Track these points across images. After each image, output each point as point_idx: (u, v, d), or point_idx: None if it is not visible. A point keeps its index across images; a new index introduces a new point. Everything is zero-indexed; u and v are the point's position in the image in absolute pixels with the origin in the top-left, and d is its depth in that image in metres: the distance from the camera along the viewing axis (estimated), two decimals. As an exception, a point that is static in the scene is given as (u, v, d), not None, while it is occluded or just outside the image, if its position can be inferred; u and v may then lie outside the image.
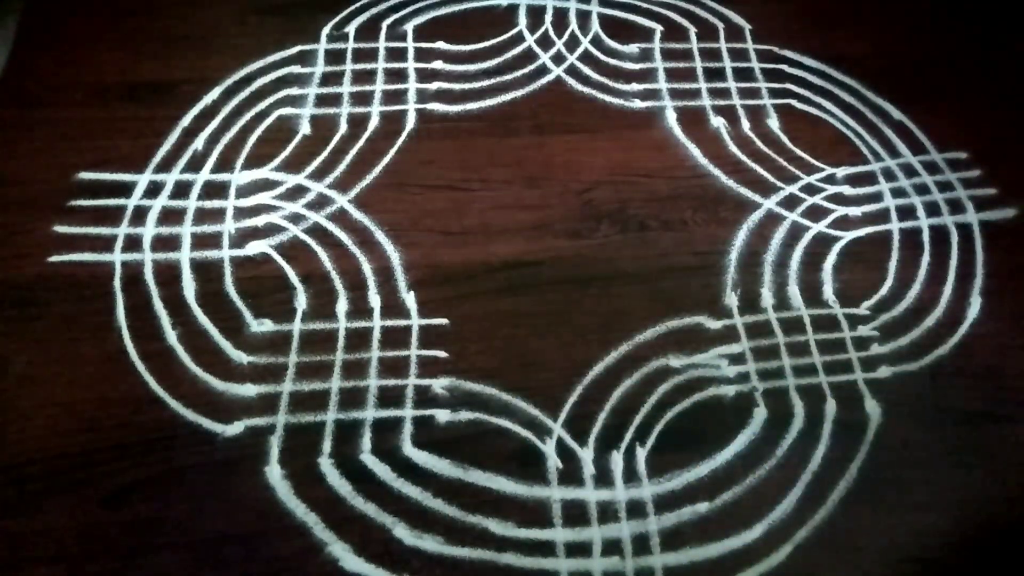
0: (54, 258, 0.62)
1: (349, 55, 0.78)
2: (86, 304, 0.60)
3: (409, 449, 0.55)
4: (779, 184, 0.71)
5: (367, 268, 0.64)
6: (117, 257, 0.63)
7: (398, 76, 0.76)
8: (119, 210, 0.65)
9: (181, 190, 0.67)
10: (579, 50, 0.80)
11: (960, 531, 0.54)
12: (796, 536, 0.53)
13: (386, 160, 0.70)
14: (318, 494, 0.53)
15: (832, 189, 0.71)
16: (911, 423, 0.58)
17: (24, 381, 0.56)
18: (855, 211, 0.70)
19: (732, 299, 0.64)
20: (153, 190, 0.67)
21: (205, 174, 0.68)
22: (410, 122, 0.73)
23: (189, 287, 0.61)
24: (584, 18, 0.83)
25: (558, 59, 0.79)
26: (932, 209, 0.71)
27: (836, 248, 0.67)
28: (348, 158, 0.70)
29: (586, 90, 0.77)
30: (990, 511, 0.55)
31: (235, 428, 0.55)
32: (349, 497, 0.53)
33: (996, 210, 0.71)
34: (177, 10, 0.80)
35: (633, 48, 0.81)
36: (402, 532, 0.51)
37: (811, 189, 0.71)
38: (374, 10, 0.82)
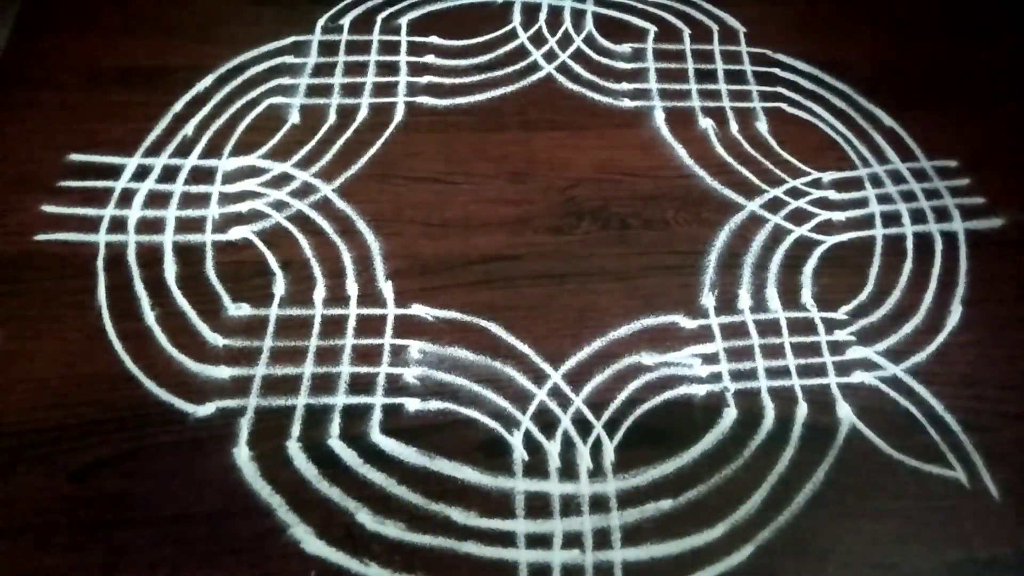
0: (40, 237, 0.63)
1: (343, 47, 0.78)
2: (68, 283, 0.61)
3: (377, 436, 0.55)
4: (764, 187, 0.71)
5: (347, 257, 0.64)
6: (102, 238, 0.63)
7: (389, 69, 0.77)
8: (107, 192, 0.66)
9: (168, 174, 0.68)
10: (571, 48, 0.80)
11: (925, 540, 0.53)
12: (758, 537, 0.53)
13: (372, 151, 0.71)
14: (284, 476, 0.53)
15: (817, 193, 0.71)
16: (883, 429, 0.58)
17: (2, 356, 0.57)
18: (839, 216, 0.69)
19: (709, 299, 0.64)
20: (141, 173, 0.67)
21: (193, 159, 0.69)
22: (398, 114, 0.73)
23: (170, 269, 0.62)
24: (579, 17, 0.84)
25: (550, 56, 0.79)
26: (918, 216, 0.70)
27: (817, 252, 0.67)
28: (335, 148, 0.71)
29: (576, 88, 0.77)
30: (958, 523, 0.54)
31: (207, 409, 0.56)
32: (314, 481, 0.53)
33: (983, 219, 0.70)
34: (176, -2, 0.82)
35: (626, 48, 0.81)
36: (365, 517, 0.52)
37: (796, 193, 0.71)
38: (370, 3, 0.82)
